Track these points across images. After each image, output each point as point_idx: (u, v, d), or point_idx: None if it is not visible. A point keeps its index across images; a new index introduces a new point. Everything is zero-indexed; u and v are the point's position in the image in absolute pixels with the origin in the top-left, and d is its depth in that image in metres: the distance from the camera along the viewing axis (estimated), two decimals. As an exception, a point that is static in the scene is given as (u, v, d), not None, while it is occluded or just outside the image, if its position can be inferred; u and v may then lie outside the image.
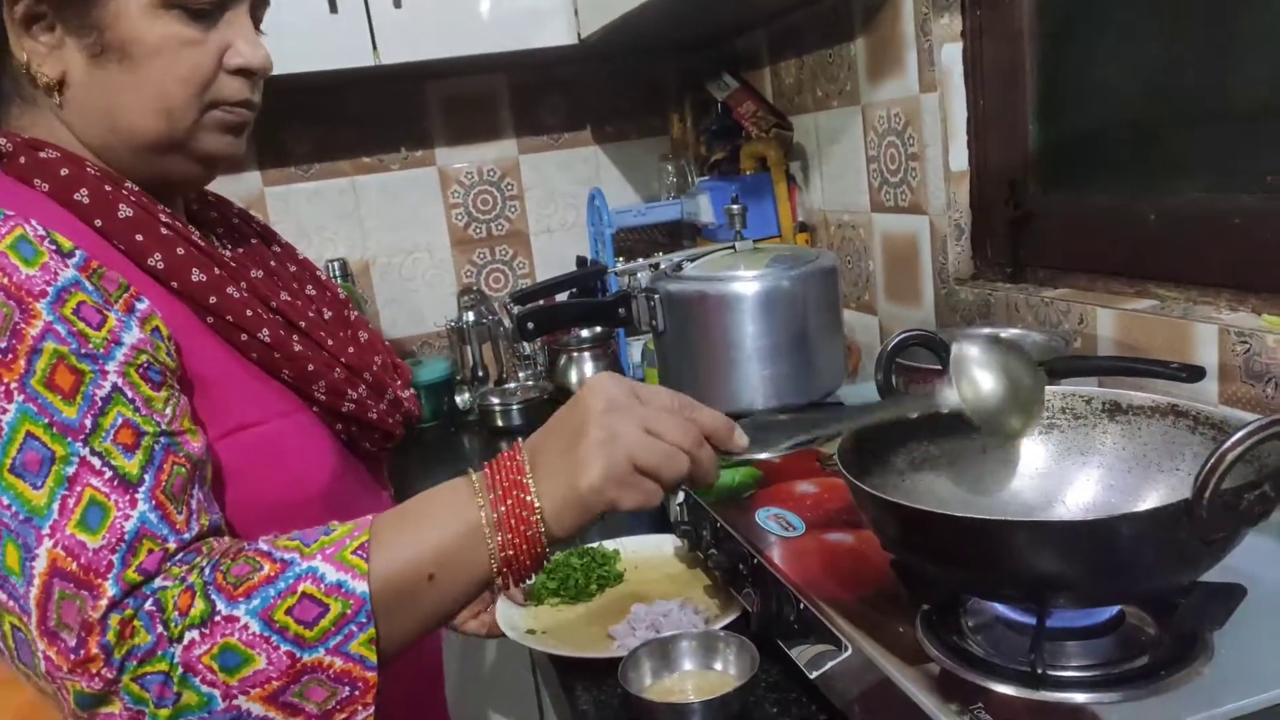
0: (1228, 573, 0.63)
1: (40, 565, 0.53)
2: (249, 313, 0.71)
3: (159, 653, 0.54)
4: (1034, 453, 0.78)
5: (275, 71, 1.65)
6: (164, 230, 0.69)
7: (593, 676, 0.87)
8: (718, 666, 0.84)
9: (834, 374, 1.17)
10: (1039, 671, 0.61)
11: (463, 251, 2.11)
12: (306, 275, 0.87)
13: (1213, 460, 0.54)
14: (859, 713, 0.71)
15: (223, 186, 2.20)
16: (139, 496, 0.57)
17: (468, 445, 1.76)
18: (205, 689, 0.54)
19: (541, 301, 1.32)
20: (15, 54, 0.67)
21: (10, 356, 0.55)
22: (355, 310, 0.89)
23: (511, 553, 0.61)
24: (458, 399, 1.91)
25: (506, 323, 1.97)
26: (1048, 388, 0.79)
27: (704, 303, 1.12)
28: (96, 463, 0.56)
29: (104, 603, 0.54)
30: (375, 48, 1.62)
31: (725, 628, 0.86)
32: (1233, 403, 0.92)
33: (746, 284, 1.10)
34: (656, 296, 1.15)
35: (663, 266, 1.20)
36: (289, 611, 0.56)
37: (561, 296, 1.43)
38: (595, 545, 1.08)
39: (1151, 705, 0.58)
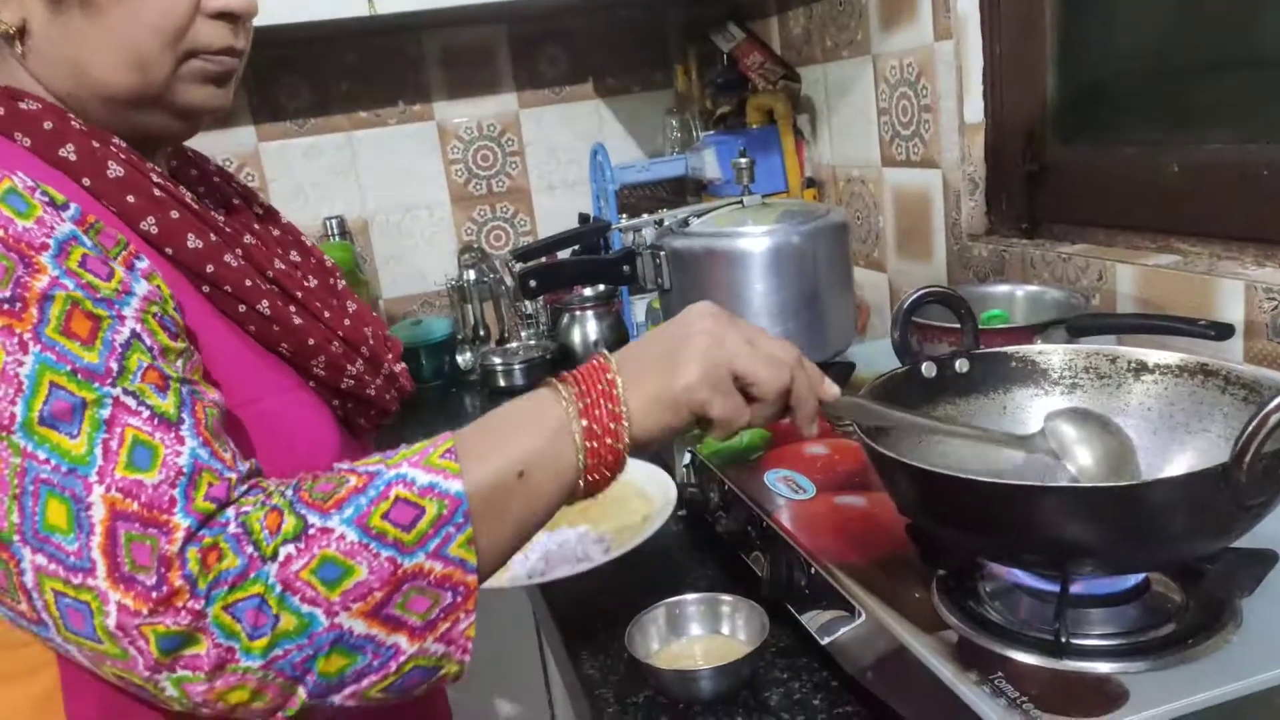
0: (1256, 538, 0.61)
1: (99, 512, 0.50)
2: (248, 283, 0.66)
3: (251, 575, 0.51)
4: (1057, 414, 0.76)
5: (267, 22, 1.60)
6: (156, 192, 0.64)
7: (599, 642, 0.85)
8: (726, 631, 0.82)
9: (844, 333, 1.15)
10: (1063, 640, 0.59)
11: (463, 209, 2.07)
12: (290, 240, 0.81)
13: (1255, 423, 0.51)
14: (873, 680, 0.69)
15: (215, 142, 2.15)
16: (184, 433, 0.53)
17: (469, 405, 1.74)
18: (306, 608, 0.51)
19: (544, 259, 1.28)
20: None
21: (20, 306, 0.52)
22: (341, 278, 0.85)
23: (596, 444, 0.59)
24: (459, 359, 1.88)
25: (508, 281, 1.93)
26: (1072, 346, 0.77)
27: (711, 259, 1.09)
28: (132, 403, 0.53)
29: (180, 535, 0.50)
30: (370, -4, 1.57)
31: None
32: (1258, 361, 0.89)
33: (755, 240, 1.07)
34: (662, 253, 1.12)
35: (668, 223, 1.17)
36: (385, 516, 0.53)
37: (564, 254, 1.40)
38: None
39: (1179, 675, 0.56)
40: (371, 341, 0.78)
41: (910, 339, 0.78)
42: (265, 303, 0.67)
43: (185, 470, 0.52)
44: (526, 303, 1.87)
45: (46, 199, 0.55)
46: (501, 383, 1.75)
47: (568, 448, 0.59)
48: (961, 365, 0.77)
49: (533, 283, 1.15)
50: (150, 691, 0.51)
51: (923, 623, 0.64)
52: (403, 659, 0.54)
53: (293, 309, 0.70)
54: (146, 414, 0.53)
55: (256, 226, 0.77)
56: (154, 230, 0.63)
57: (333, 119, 1.96)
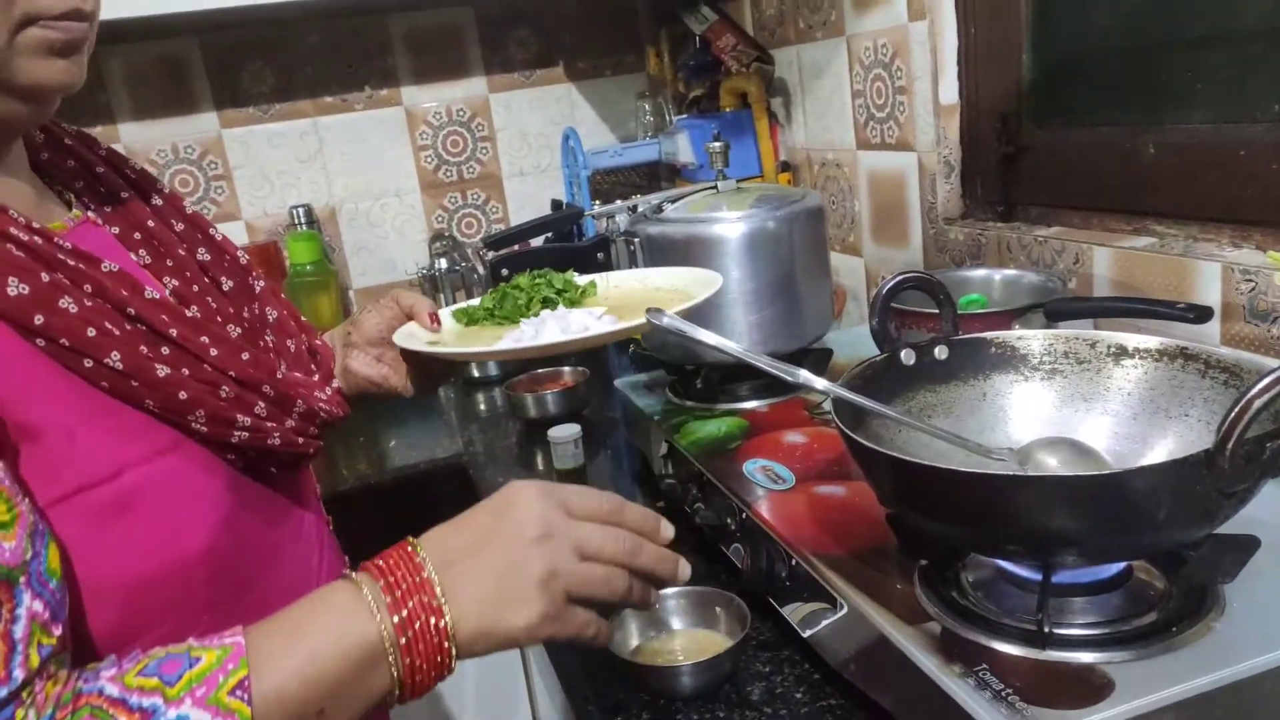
0: (1237, 522, 0.60)
1: None
2: (91, 332, 0.55)
3: None
4: (1037, 399, 0.75)
5: (229, 4, 1.55)
6: None
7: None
8: (707, 626, 0.81)
9: (821, 319, 1.13)
10: (1046, 630, 0.58)
11: (433, 196, 2.04)
12: (198, 235, 0.71)
13: (1238, 409, 0.51)
14: (855, 673, 0.68)
15: (176, 129, 2.09)
16: None
17: (443, 397, 1.71)
18: None
19: (516, 247, 1.26)
20: None
21: None
22: (260, 278, 0.75)
23: (420, 678, 0.55)
24: (432, 349, 1.85)
25: (480, 269, 1.91)
26: (1051, 331, 0.76)
27: (686, 246, 1.07)
28: None
29: None
30: (333, -22, 1.53)
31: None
32: (1236, 343, 0.89)
33: (731, 225, 1.05)
34: (637, 240, 1.10)
35: (641, 209, 1.15)
36: None
37: (537, 241, 1.38)
38: (566, 275, 0.94)
39: (1163, 663, 0.56)
40: (281, 374, 0.67)
41: (889, 325, 0.76)
42: (116, 354, 0.56)
43: None
44: (499, 291, 1.84)
45: None
46: (475, 373, 1.73)
47: (380, 674, 0.54)
48: (940, 352, 0.76)
49: (505, 271, 1.13)
50: None
51: (905, 614, 0.64)
52: None
53: (164, 351, 0.59)
54: None
55: (150, 224, 0.68)
56: None
57: (298, 104, 1.92)
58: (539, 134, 2.06)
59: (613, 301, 0.92)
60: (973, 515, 0.59)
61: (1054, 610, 0.60)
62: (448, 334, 0.90)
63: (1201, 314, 0.83)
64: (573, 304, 0.90)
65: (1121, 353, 0.73)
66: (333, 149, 1.95)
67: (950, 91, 1.27)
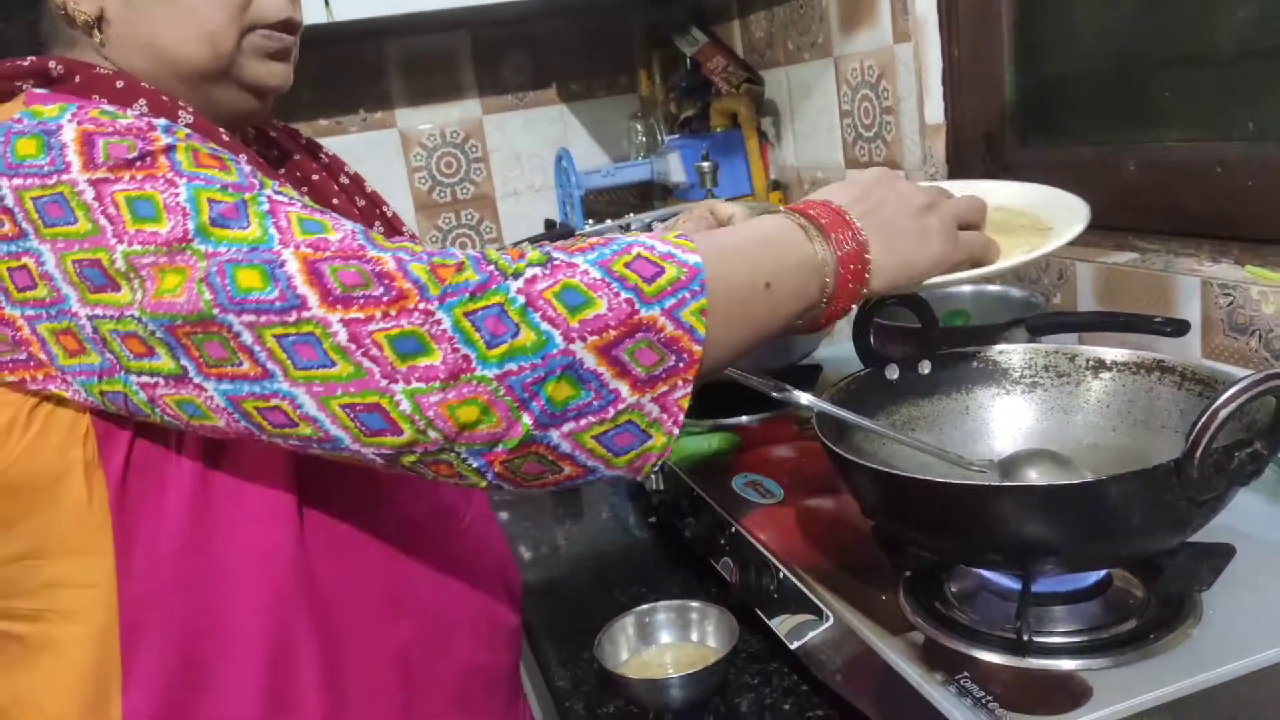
0: (1214, 531, 0.62)
1: (293, 266, 0.52)
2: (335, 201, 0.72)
3: (492, 287, 0.52)
4: (1019, 412, 0.76)
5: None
6: (226, 138, 0.66)
7: (569, 652, 0.85)
8: (696, 638, 0.82)
9: (812, 335, 1.15)
10: (1025, 639, 0.59)
11: (427, 216, 2.05)
12: (376, 210, 0.85)
13: (1204, 418, 0.52)
14: (842, 683, 0.69)
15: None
16: (345, 224, 0.56)
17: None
18: (544, 326, 0.51)
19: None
20: None
21: (150, 159, 0.55)
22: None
23: (842, 303, 0.64)
24: (427, 368, 1.86)
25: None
26: (1032, 345, 0.77)
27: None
28: (283, 199, 0.56)
29: (388, 258, 0.53)
30: (328, 4, 1.55)
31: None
32: (1216, 356, 0.90)
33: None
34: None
35: (634, 228, 1.17)
36: (628, 266, 0.54)
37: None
38: None
39: (1141, 670, 0.57)
40: None
41: (873, 341, 0.78)
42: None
43: (357, 231, 0.55)
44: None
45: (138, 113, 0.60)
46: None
47: (814, 286, 0.62)
48: (924, 367, 0.78)
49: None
50: (383, 406, 0.51)
51: (890, 624, 0.65)
52: (621, 406, 0.53)
53: None
54: (299, 205, 0.56)
55: (336, 201, 0.80)
56: None
57: (293, 127, 1.94)
58: (532, 154, 2.08)
59: None
60: (952, 525, 0.60)
61: (1034, 619, 0.61)
62: None
63: (1178, 328, 0.85)
64: None
65: (1100, 366, 0.74)
66: (329, 171, 1.97)
67: (936, 111, 1.29)
